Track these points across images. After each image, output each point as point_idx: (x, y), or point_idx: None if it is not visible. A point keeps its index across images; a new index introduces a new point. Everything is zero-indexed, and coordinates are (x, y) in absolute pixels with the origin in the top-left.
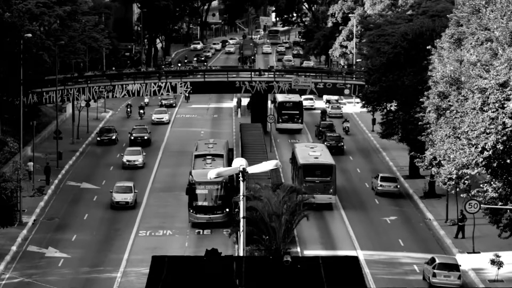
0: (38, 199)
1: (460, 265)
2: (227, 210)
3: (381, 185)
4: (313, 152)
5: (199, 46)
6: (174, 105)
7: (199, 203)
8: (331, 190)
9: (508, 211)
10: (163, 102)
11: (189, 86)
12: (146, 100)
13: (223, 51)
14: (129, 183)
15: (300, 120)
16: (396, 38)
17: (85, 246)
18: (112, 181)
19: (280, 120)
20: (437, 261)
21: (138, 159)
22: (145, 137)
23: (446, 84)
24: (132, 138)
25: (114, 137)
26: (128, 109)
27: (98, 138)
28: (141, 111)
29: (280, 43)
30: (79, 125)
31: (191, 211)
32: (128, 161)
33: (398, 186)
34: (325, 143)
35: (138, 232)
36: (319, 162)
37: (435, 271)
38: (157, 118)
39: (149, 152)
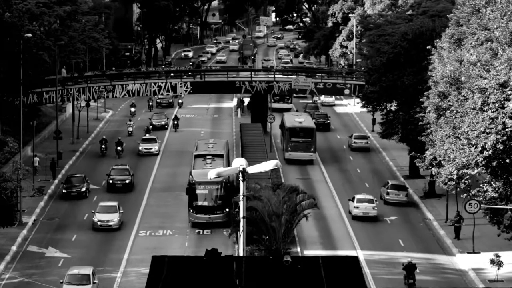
0: (38, 199)
1: (408, 187)
2: (227, 210)
3: (354, 142)
4: (298, 118)
5: (190, 54)
6: (166, 126)
7: (199, 203)
8: (312, 149)
9: (509, 211)
10: (154, 123)
11: (189, 86)
12: (130, 129)
13: (218, 55)
14: (87, 270)
15: (290, 101)
16: (396, 38)
17: (85, 246)
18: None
19: (273, 101)
20: (390, 183)
21: (113, 218)
22: (127, 181)
23: (446, 84)
24: (110, 182)
25: (84, 189)
26: (103, 146)
27: (64, 191)
28: (119, 147)
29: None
30: (79, 125)
31: (191, 211)
32: (100, 221)
33: (368, 142)
34: (314, 121)
35: (138, 232)
36: (302, 126)
37: (388, 190)
38: (145, 148)
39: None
